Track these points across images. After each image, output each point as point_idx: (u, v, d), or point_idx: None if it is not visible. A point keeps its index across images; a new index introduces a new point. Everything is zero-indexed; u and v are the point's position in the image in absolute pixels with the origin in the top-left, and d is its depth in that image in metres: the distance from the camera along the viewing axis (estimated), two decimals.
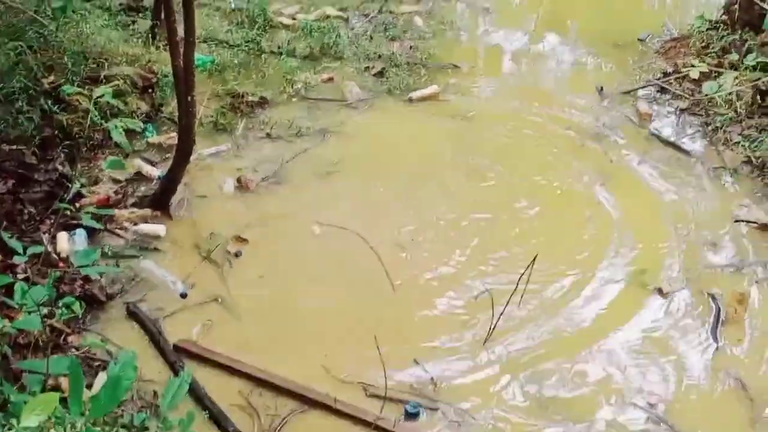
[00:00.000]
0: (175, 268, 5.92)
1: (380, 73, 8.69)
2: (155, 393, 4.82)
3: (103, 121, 6.67)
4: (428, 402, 4.98)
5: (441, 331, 5.53)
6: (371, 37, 9.46)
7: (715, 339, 5.52)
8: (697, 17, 9.43)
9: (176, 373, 4.83)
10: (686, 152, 7.55)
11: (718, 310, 5.72)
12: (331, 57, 9.00)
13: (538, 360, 5.33)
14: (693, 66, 8.39)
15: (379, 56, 9.02)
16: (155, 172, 6.84)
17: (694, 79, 8.36)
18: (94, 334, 5.18)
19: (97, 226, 5.71)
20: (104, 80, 7.17)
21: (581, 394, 5.11)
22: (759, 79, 7.76)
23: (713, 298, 5.84)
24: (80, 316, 5.00)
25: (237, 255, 6.06)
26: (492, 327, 5.46)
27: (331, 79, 8.54)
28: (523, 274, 5.57)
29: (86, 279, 5.52)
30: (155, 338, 5.24)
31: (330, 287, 5.88)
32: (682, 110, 8.19)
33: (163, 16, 7.32)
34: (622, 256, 6.26)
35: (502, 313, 5.51)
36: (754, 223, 6.59)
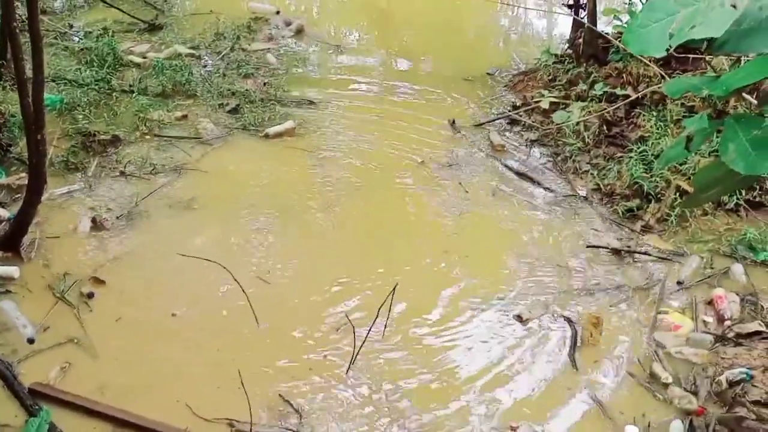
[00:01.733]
0: (27, 310, 5.74)
1: (235, 110, 8.67)
2: None
3: None
4: None
5: (305, 363, 5.51)
6: (224, 75, 9.43)
7: (573, 362, 5.66)
8: (543, 51, 9.69)
9: (33, 416, 4.68)
10: (538, 182, 7.74)
11: (575, 334, 5.87)
12: (185, 95, 8.93)
13: (398, 390, 5.37)
14: (543, 95, 8.62)
15: (233, 93, 9.00)
16: (5, 213, 6.64)
17: (544, 111, 8.60)
18: None
19: None
20: None
21: (444, 421, 5.16)
22: (605, 109, 8.02)
23: (570, 322, 5.99)
24: None
25: (90, 296, 5.91)
26: (354, 356, 5.49)
27: (185, 117, 8.48)
28: (382, 304, 5.63)
29: None
30: (9, 382, 5.06)
31: (192, 324, 5.80)
32: (533, 141, 8.42)
33: (9, 55, 7.16)
34: (481, 285, 6.37)
35: (363, 344, 5.55)
36: (606, 248, 6.80)
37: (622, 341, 5.87)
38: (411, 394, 5.33)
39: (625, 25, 8.53)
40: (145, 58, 9.69)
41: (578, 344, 5.80)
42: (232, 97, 8.93)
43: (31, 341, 5.49)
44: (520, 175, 7.87)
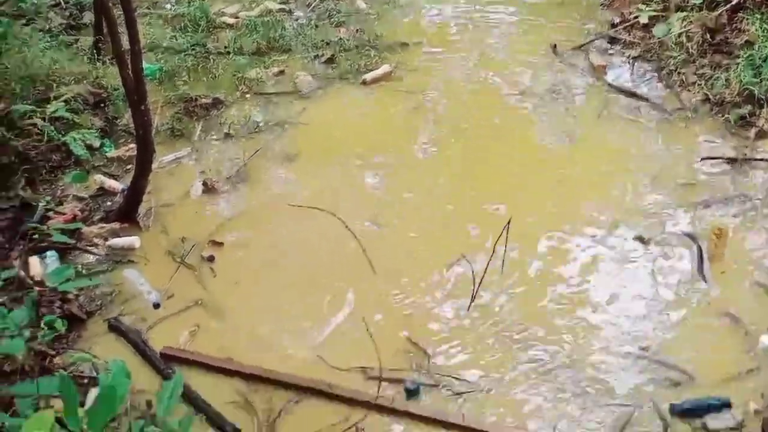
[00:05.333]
0: (150, 277, 5.85)
1: (330, 60, 8.65)
2: (149, 403, 4.75)
3: (60, 136, 6.64)
4: (427, 377, 4.97)
5: (426, 304, 5.53)
6: (316, 26, 9.41)
7: (703, 277, 5.55)
8: None
9: (167, 379, 4.77)
10: (645, 98, 7.57)
11: (700, 248, 5.75)
12: (279, 50, 8.93)
13: (524, 322, 5.33)
14: (641, 10, 8.41)
15: (327, 43, 8.98)
16: (118, 185, 6.77)
17: (644, 25, 8.39)
18: (79, 351, 5.11)
19: (69, 241, 5.66)
20: (54, 100, 7.09)
21: (574, 351, 5.11)
22: (706, 17, 7.79)
23: (692, 237, 5.87)
24: (64, 334, 4.93)
25: (210, 259, 6.00)
26: (474, 293, 5.48)
27: (282, 72, 8.49)
28: (498, 238, 5.57)
29: (64, 299, 5.47)
30: (141, 349, 5.19)
31: (311, 275, 5.84)
32: (635, 58, 8.22)
33: (105, 30, 7.25)
34: (597, 209, 6.28)
35: (481, 281, 5.53)
36: (720, 158, 6.64)
37: (747, 251, 5.76)
38: (536, 325, 5.30)
39: None
40: (237, 18, 9.72)
41: (704, 258, 5.68)
42: (326, 48, 8.92)
43: (156, 306, 5.61)
44: (626, 93, 7.71)
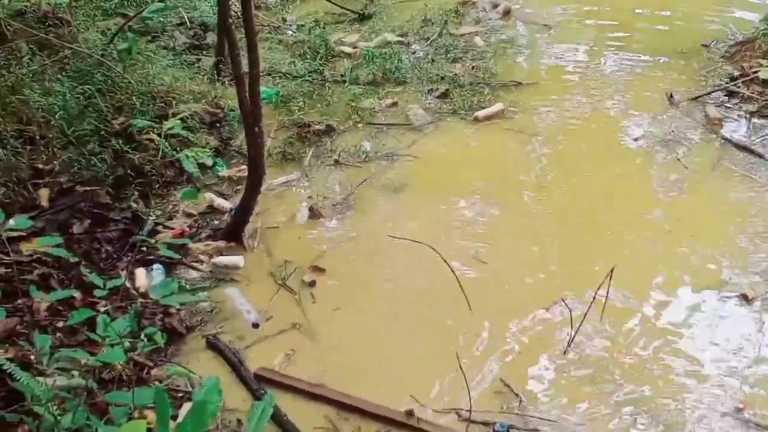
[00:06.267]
0: (251, 298, 5.95)
1: (444, 95, 8.69)
2: (239, 421, 4.84)
3: (174, 152, 6.81)
4: (517, 420, 4.92)
5: (521, 345, 5.48)
6: (433, 60, 9.47)
7: None
8: (761, 20, 9.34)
9: (258, 400, 4.83)
10: (759, 155, 7.42)
11: None
12: (394, 82, 9.02)
13: (620, 371, 5.25)
14: (761, 65, 8.27)
15: (442, 78, 9.03)
16: (227, 204, 6.89)
17: (763, 81, 8.25)
18: (176, 365, 5.20)
19: (175, 256, 5.78)
20: (172, 117, 7.25)
21: (669, 406, 5.01)
22: None
23: None
24: (162, 347, 5.03)
25: (312, 284, 6.06)
26: (571, 339, 5.42)
27: (395, 104, 8.57)
28: (600, 286, 5.50)
29: (166, 312, 5.60)
30: (236, 368, 5.26)
31: (408, 308, 5.85)
32: (752, 113, 8.08)
33: (226, 51, 7.41)
34: (702, 263, 6.17)
35: (580, 325, 5.47)
36: None
37: None
38: (633, 378, 5.21)
39: None
40: (355, 47, 9.86)
41: None
42: (441, 82, 8.97)
43: (255, 326, 5.68)
44: (741, 148, 7.56)
